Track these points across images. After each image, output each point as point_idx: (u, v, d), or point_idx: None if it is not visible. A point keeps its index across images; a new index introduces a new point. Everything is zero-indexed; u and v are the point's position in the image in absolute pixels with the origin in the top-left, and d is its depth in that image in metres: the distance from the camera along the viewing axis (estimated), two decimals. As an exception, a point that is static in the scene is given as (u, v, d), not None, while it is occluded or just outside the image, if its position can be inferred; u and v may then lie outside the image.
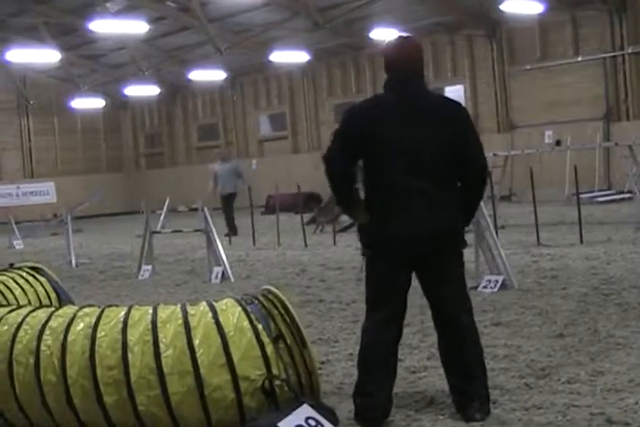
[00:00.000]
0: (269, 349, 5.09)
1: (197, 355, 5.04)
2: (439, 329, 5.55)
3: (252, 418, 4.97)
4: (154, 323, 5.20)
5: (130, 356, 5.09)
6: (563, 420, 5.22)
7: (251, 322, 5.16)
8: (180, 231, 16.95)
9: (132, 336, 5.16)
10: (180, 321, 5.19)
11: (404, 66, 5.49)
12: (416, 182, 5.32)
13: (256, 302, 5.34)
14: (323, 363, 7.03)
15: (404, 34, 5.76)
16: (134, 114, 48.07)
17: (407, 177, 5.32)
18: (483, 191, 5.77)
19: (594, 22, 29.63)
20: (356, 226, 5.70)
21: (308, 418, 4.88)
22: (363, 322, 5.56)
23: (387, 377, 5.39)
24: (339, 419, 5.16)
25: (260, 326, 5.14)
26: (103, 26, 28.90)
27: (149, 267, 14.57)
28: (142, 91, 41.20)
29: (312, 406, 4.95)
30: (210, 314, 5.23)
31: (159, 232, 16.92)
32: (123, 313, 5.35)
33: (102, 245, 22.74)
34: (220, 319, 5.18)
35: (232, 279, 13.14)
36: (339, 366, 6.96)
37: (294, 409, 4.90)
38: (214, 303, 5.42)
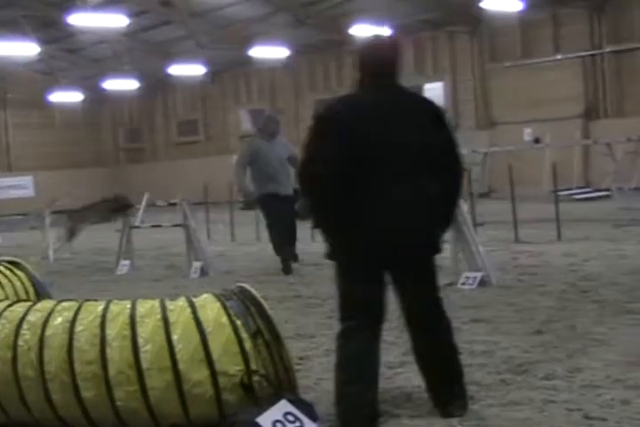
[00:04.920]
0: (248, 344, 5.09)
1: (176, 350, 5.03)
2: (412, 332, 5.42)
3: (231, 414, 4.97)
4: (132, 318, 5.19)
5: (108, 351, 5.08)
6: (540, 416, 5.25)
7: (229, 318, 5.16)
8: (160, 226, 16.91)
9: (111, 331, 5.14)
10: (159, 316, 5.18)
11: (379, 66, 5.30)
12: (395, 185, 5.14)
13: (235, 297, 5.34)
14: (301, 359, 7.04)
15: (381, 33, 5.70)
16: (114, 108, 47.92)
17: (386, 179, 5.14)
18: (460, 193, 5.57)
19: (574, 20, 29.79)
20: (325, 231, 5.38)
21: (286, 413, 4.88)
22: (339, 329, 5.34)
23: (371, 384, 5.21)
24: (317, 414, 5.17)
25: (238, 322, 5.14)
26: (82, 19, 28.77)
27: (128, 262, 14.54)
28: (122, 85, 41.06)
29: (291, 402, 4.95)
30: (189, 309, 5.22)
31: (138, 227, 16.88)
32: (101, 308, 5.33)
33: (82, 240, 22.64)
34: (200, 315, 5.18)
35: (211, 274, 13.14)
36: (317, 362, 6.97)
37: (273, 405, 4.90)
38: (193, 299, 5.41)
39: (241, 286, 5.51)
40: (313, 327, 8.47)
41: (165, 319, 5.16)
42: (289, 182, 12.98)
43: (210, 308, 5.24)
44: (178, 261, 15.09)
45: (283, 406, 4.91)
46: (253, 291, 5.37)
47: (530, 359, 6.64)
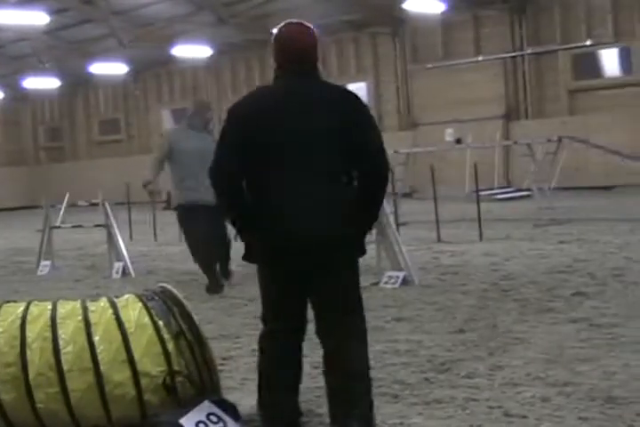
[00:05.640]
0: (170, 345, 5.05)
1: (98, 351, 4.98)
2: (323, 343, 5.01)
3: (154, 415, 4.93)
4: (53, 319, 5.12)
5: (28, 352, 5.00)
6: (462, 414, 5.29)
7: (152, 318, 5.12)
8: (81, 226, 16.72)
9: (31, 333, 5.07)
10: (80, 317, 5.13)
11: (291, 53, 4.91)
12: (305, 182, 4.74)
13: (157, 298, 5.30)
14: (225, 359, 7.02)
15: (294, 20, 5.10)
16: (34, 107, 47.31)
17: (295, 176, 4.74)
18: (383, 192, 4.97)
19: (495, 22, 30.17)
20: (237, 232, 5.12)
21: (209, 414, 4.86)
22: (261, 331, 5.16)
23: (290, 386, 5.09)
24: (240, 415, 5.16)
25: (161, 323, 5.11)
26: (1, 16, 28.28)
27: (48, 262, 14.36)
28: (42, 83, 40.51)
29: (214, 403, 4.93)
30: (110, 310, 5.18)
31: (59, 227, 16.67)
32: (21, 309, 5.26)
33: (1, 240, 22.33)
34: (121, 315, 5.13)
35: (133, 275, 13.03)
36: (241, 362, 6.96)
37: (196, 406, 4.88)
38: (115, 299, 5.36)
39: (163, 287, 5.48)
40: (237, 328, 8.45)
41: (87, 320, 5.10)
42: None
43: (132, 308, 5.20)
44: (99, 262, 14.95)
45: (206, 406, 4.89)
46: (175, 291, 5.34)
47: (452, 358, 6.70)
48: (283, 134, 4.78)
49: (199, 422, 4.81)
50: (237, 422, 4.97)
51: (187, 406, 4.89)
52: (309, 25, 5.03)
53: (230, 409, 5.01)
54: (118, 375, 4.96)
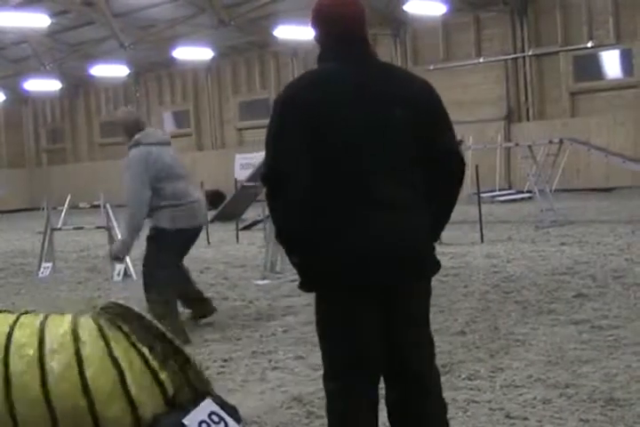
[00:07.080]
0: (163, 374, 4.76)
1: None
2: (393, 381, 4.11)
3: (156, 415, 4.91)
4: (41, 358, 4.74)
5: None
6: (463, 416, 5.29)
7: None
8: (82, 228, 16.72)
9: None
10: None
11: (343, 28, 3.97)
12: (376, 184, 3.84)
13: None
14: (225, 361, 7.03)
15: None
16: (36, 109, 47.35)
17: (364, 177, 3.83)
18: (457, 193, 4.12)
19: (496, 24, 30.16)
20: (291, 249, 3.98)
21: (211, 413, 4.85)
22: (329, 386, 4.10)
23: None
24: (241, 416, 5.15)
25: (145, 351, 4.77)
26: (3, 19, 28.31)
27: (50, 264, 14.34)
28: (44, 85, 40.53)
29: (215, 402, 4.91)
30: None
31: (60, 229, 16.67)
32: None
33: (2, 242, 22.33)
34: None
35: (134, 277, 13.01)
36: (241, 364, 6.96)
37: (197, 405, 4.85)
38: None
39: (112, 304, 4.92)
40: (238, 329, 8.45)
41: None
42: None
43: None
44: (100, 264, 14.94)
45: (208, 404, 4.87)
46: (128, 305, 4.83)
47: (453, 360, 6.69)
48: (347, 125, 3.83)
49: (202, 421, 4.79)
50: (238, 423, 4.97)
51: (188, 406, 4.87)
52: None
53: (231, 411, 5.00)
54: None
